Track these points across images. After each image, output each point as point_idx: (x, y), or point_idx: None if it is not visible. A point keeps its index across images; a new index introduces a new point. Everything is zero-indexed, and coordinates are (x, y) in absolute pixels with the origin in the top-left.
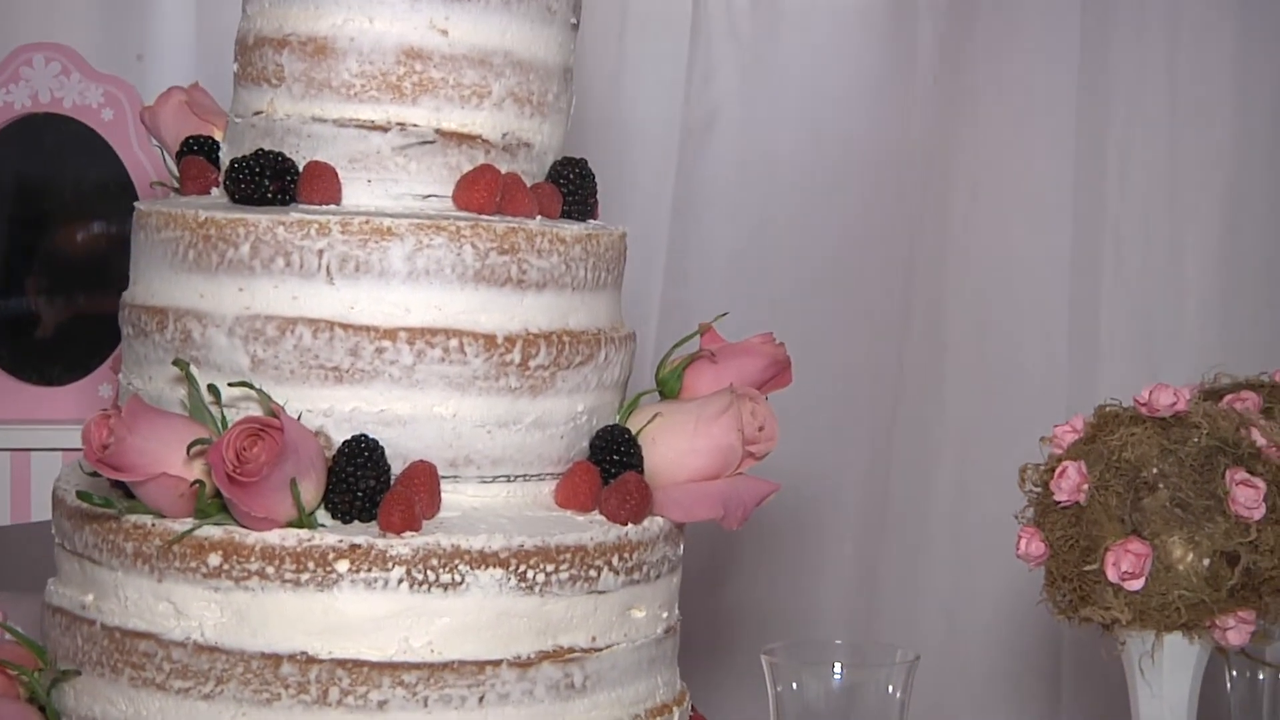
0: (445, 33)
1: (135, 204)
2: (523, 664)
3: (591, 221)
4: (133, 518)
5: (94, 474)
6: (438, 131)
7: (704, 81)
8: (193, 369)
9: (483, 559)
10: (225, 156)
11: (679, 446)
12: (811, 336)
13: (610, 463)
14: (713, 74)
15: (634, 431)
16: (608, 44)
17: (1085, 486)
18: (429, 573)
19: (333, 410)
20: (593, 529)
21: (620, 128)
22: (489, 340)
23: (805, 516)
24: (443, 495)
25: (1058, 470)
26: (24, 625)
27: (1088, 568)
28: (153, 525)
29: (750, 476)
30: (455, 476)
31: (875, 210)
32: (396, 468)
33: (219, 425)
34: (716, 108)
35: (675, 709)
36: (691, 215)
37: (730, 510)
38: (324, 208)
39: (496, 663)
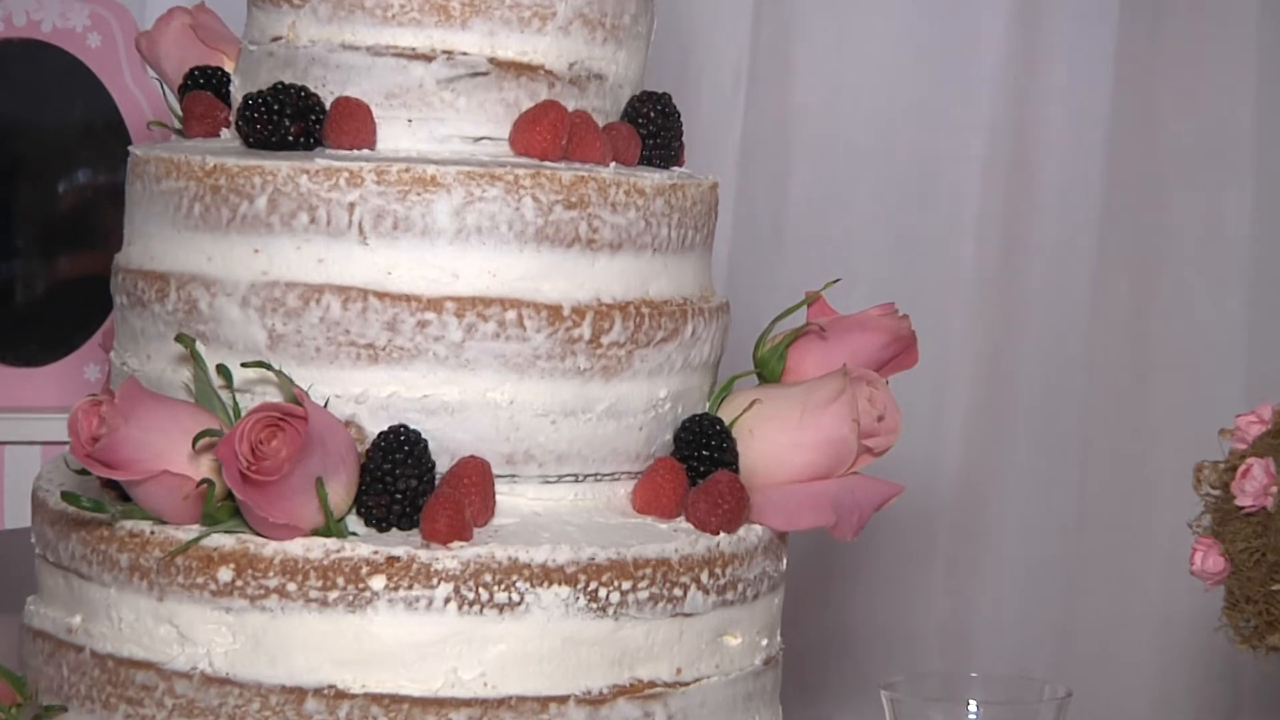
0: None
1: (129, 149)
2: (594, 700)
3: (676, 169)
4: (128, 524)
5: (82, 471)
6: (492, 61)
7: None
8: (199, 346)
9: (546, 574)
10: (237, 91)
11: (781, 440)
12: (919, 309)
13: (699, 459)
14: None
15: (727, 422)
16: None
17: (1274, 489)
18: (481, 591)
19: (366, 395)
20: (677, 539)
21: (678, 55)
22: (553, 312)
23: (931, 524)
24: (498, 498)
25: (1241, 469)
26: (3, 655)
27: (1276, 587)
28: (152, 533)
29: (867, 476)
30: (513, 476)
31: (998, 154)
32: (442, 465)
33: (231, 414)
34: (792, 29)
35: None
36: (763, 158)
37: (843, 517)
38: (356, 153)
39: (562, 698)
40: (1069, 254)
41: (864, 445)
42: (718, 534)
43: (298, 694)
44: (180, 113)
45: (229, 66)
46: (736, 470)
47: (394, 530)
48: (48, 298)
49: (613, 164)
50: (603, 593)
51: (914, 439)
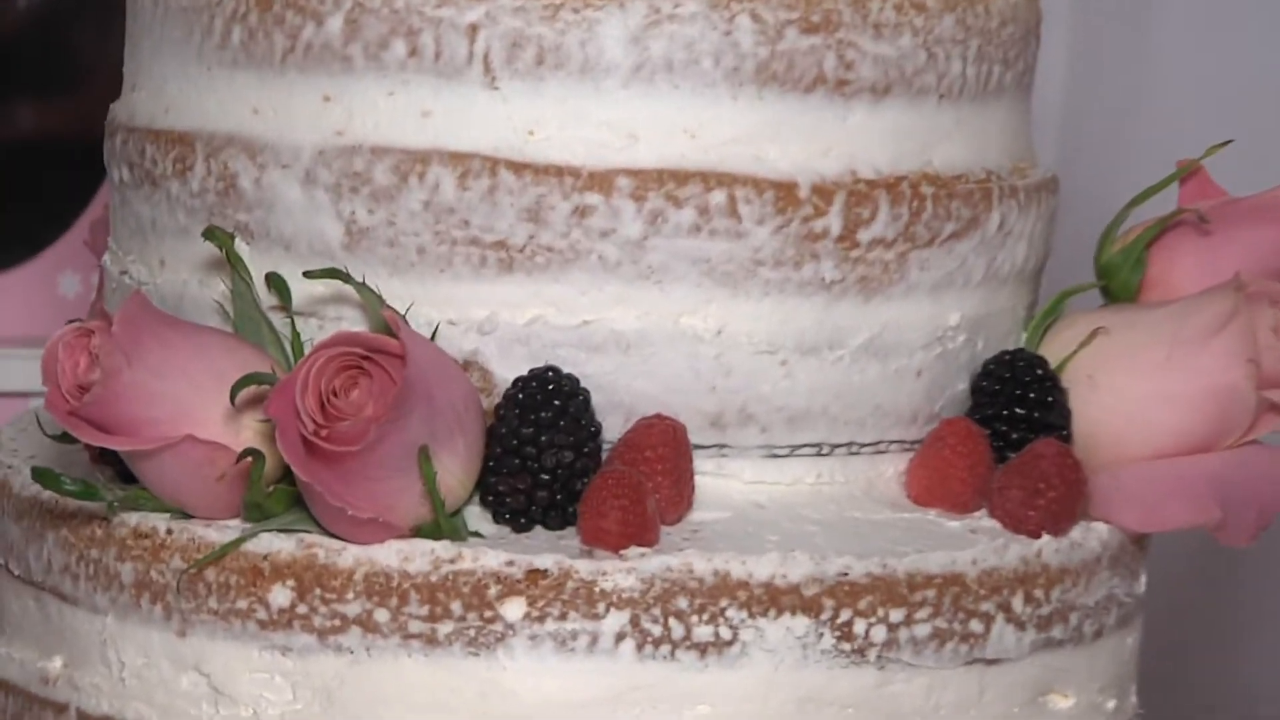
0: None
1: None
2: None
3: None
4: (133, 518)
5: (63, 437)
6: None
7: None
8: (240, 245)
9: (772, 599)
10: None
11: (1139, 391)
12: None
13: (1010, 421)
14: None
15: (1054, 363)
16: None
17: None
18: (673, 623)
19: (496, 322)
20: (976, 544)
21: None
22: (784, 193)
23: None
24: (698, 480)
25: None
26: None
27: None
28: (169, 533)
29: (1272, 448)
30: (722, 446)
31: None
32: (613, 430)
33: (289, 350)
34: None
35: None
36: None
37: (1234, 511)
38: None
39: None
40: None
41: (1267, 399)
42: (1039, 536)
43: None
44: None
45: None
46: (1069, 439)
47: (538, 530)
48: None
49: None
50: (860, 627)
51: None
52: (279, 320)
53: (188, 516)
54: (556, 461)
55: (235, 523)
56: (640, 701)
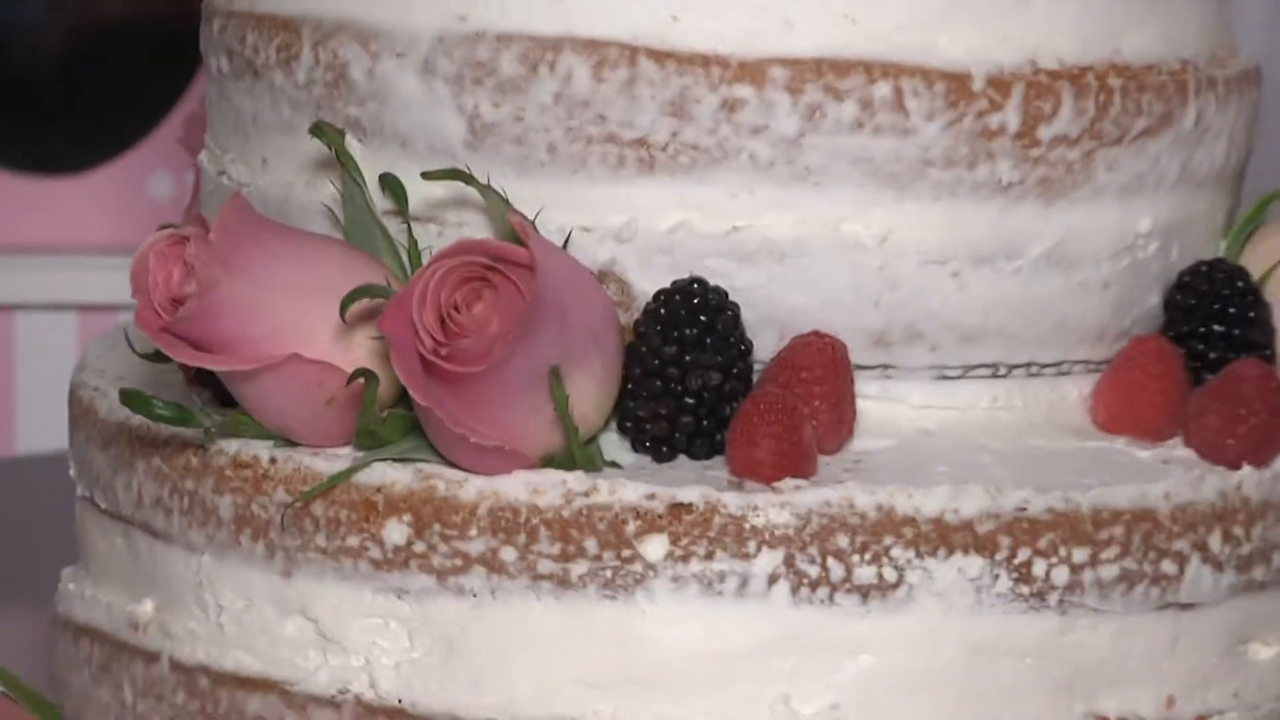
0: None
1: None
2: None
3: None
4: (233, 446)
5: (155, 356)
6: None
7: None
8: (352, 143)
9: (942, 537)
10: None
11: None
12: None
13: (1207, 339)
14: None
15: (1256, 275)
16: None
17: None
18: (832, 564)
19: (635, 229)
20: (1169, 476)
21: None
22: (956, 84)
23: None
24: (860, 404)
25: None
26: (14, 661)
27: None
28: (272, 462)
29: None
30: (887, 367)
31: None
32: (766, 348)
33: (404, 260)
34: None
35: None
36: None
37: None
38: None
39: None
40: None
41: None
42: (1239, 467)
43: None
44: None
45: None
46: (1273, 359)
47: (681, 460)
48: (77, 55)
49: None
50: (1040, 568)
51: None
52: (394, 226)
53: (293, 444)
54: (702, 384)
55: (346, 451)
56: (795, 651)
